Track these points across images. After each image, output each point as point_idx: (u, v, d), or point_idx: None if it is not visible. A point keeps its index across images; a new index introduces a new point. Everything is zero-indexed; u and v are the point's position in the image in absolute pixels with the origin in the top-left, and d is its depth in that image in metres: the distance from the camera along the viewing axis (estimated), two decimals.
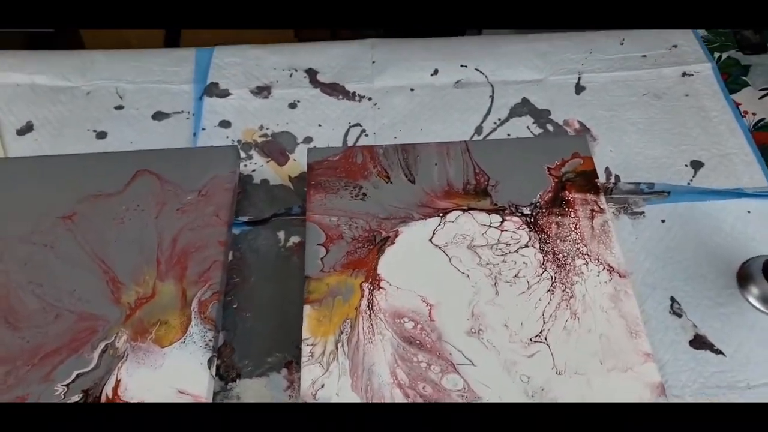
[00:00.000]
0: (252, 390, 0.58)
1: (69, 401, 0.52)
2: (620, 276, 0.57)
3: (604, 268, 0.58)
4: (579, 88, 0.78)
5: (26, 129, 0.76)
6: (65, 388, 0.53)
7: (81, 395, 0.52)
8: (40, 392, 0.52)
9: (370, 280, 0.57)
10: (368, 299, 0.56)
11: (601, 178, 0.70)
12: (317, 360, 0.53)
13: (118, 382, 0.53)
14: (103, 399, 0.52)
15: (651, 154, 0.72)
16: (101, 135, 0.75)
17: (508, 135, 0.74)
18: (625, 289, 0.57)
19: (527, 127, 0.75)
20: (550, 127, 0.74)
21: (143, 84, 0.80)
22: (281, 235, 0.67)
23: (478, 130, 0.75)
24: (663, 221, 0.67)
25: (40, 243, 0.60)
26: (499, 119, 0.76)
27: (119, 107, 0.77)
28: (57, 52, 0.84)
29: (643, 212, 0.68)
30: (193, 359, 0.54)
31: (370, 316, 0.55)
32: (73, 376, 0.53)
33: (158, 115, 0.77)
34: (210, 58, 0.82)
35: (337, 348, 0.54)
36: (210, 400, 0.53)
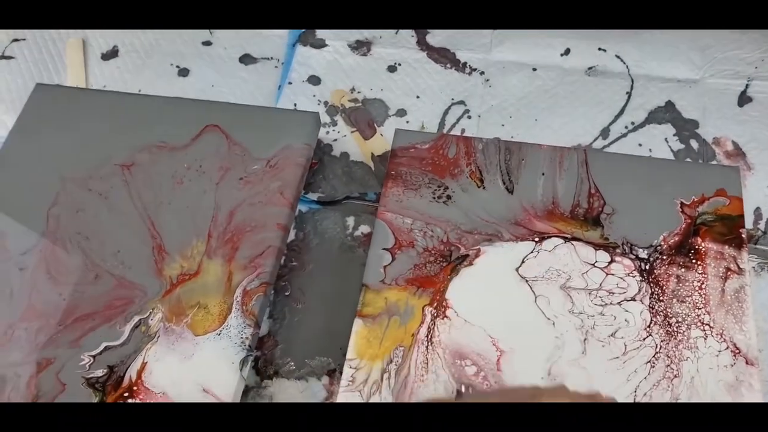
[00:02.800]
0: (287, 394, 0.52)
1: (92, 374, 0.48)
2: (747, 362, 0.46)
3: (727, 348, 0.46)
4: (744, 99, 0.63)
5: (111, 54, 0.71)
6: (91, 359, 0.49)
7: (105, 371, 0.48)
8: (67, 358, 0.49)
9: (435, 304, 0.49)
10: (429, 327, 0.48)
11: (748, 222, 0.56)
12: (358, 387, 0.46)
13: (144, 364, 0.49)
14: (126, 381, 0.48)
15: None
16: (183, 72, 0.69)
17: (640, 145, 0.61)
18: (750, 380, 0.45)
19: (665, 139, 0.61)
20: (694, 144, 0.61)
21: None
22: (350, 221, 0.60)
23: (604, 132, 0.62)
24: None
25: (96, 191, 0.56)
26: (633, 123, 0.62)
27: (207, 43, 0.71)
28: None
29: None
30: (225, 356, 0.49)
31: (427, 348, 0.47)
32: (102, 347, 0.49)
33: (246, 59, 0.69)
34: None
35: (382, 379, 0.46)
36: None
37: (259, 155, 0.57)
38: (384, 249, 0.52)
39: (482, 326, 0.48)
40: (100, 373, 0.49)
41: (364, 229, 0.59)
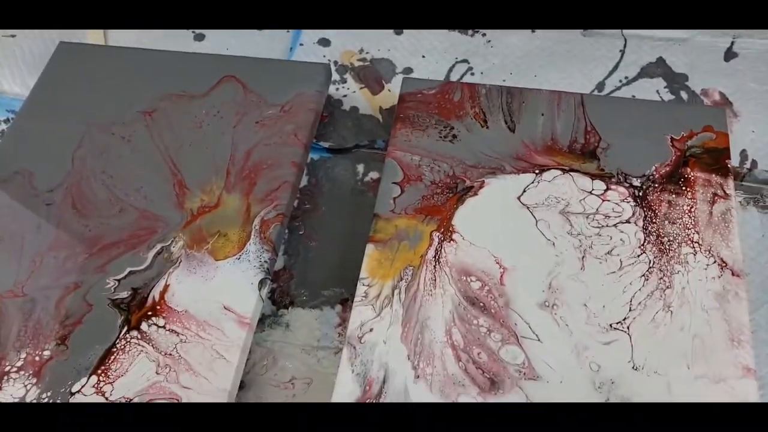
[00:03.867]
0: (302, 321, 0.55)
1: (118, 296, 0.51)
2: (733, 274, 0.49)
3: (714, 262, 0.49)
4: (730, 54, 0.67)
5: None
6: (116, 282, 0.52)
7: (130, 292, 0.51)
8: (93, 282, 0.52)
9: (442, 230, 0.52)
10: (436, 249, 0.51)
11: (734, 161, 0.60)
12: (370, 302, 0.49)
13: (167, 286, 0.51)
14: (150, 301, 0.51)
15: None
16: (199, 36, 0.73)
17: (633, 96, 0.65)
18: (737, 290, 0.48)
19: (657, 91, 0.65)
20: (684, 95, 0.64)
21: None
22: (360, 168, 0.63)
23: (600, 86, 0.66)
24: None
25: (119, 135, 0.59)
26: (626, 77, 0.66)
27: None
28: None
29: None
30: (244, 277, 0.51)
31: (435, 267, 0.50)
32: (126, 272, 0.52)
33: None
34: None
35: (393, 294, 0.49)
36: (254, 322, 0.50)
37: (273, 101, 0.60)
38: (394, 183, 0.55)
39: (486, 247, 0.51)
40: (124, 294, 0.51)
41: (374, 175, 0.62)
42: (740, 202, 0.58)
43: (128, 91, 0.62)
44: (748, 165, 0.60)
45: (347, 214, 0.60)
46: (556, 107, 0.58)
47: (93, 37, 0.73)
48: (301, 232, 0.59)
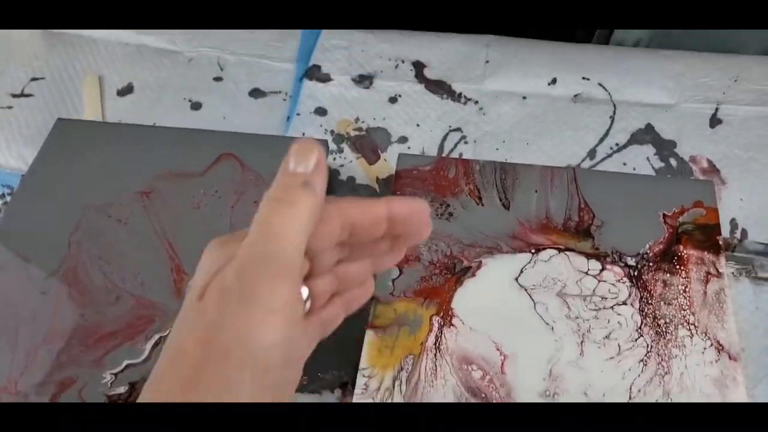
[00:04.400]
0: None
1: (114, 391, 0.51)
2: (730, 358, 0.49)
3: (711, 345, 0.50)
4: (714, 121, 0.68)
5: (126, 90, 0.75)
6: (113, 377, 0.52)
7: (127, 387, 0.51)
8: (89, 378, 0.51)
9: (442, 314, 0.52)
10: (436, 336, 0.51)
11: (725, 232, 0.60)
12: (371, 395, 0.49)
13: None
14: None
15: None
16: (196, 106, 0.73)
17: (624, 164, 0.66)
18: (734, 374, 0.49)
19: (647, 158, 0.66)
20: (673, 162, 0.65)
21: (245, 57, 0.77)
22: None
23: (591, 153, 0.67)
24: None
25: (115, 217, 0.59)
26: (617, 144, 0.67)
27: (218, 79, 0.75)
28: None
29: None
30: None
31: (435, 355, 0.51)
32: (123, 365, 0.52)
33: (255, 93, 0.74)
34: (316, 39, 0.78)
35: (393, 386, 0.50)
36: None
37: (272, 179, 0.60)
38: None
39: (486, 332, 0.51)
40: (122, 390, 0.51)
41: None
42: (732, 273, 0.58)
43: (125, 170, 0.62)
44: (738, 235, 0.60)
45: None
46: (549, 183, 0.59)
47: (91, 108, 0.73)
48: None
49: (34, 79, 0.76)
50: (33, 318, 0.55)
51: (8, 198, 0.67)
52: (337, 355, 0.57)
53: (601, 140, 0.68)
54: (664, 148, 0.66)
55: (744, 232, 0.61)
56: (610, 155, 0.67)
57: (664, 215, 0.56)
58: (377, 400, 0.49)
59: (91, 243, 0.58)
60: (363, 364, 0.51)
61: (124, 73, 0.77)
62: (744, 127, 0.67)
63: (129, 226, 0.59)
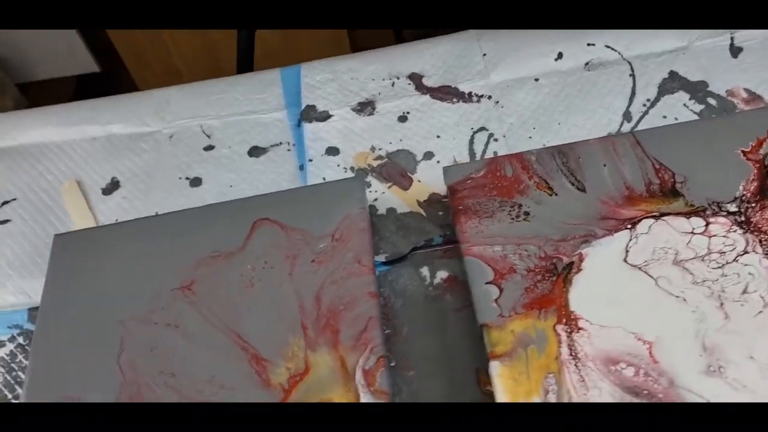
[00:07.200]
0: None
1: None
2: None
3: None
4: (735, 50, 0.66)
5: (112, 187, 0.67)
6: None
7: None
8: None
9: (564, 320, 0.47)
10: (569, 345, 0.46)
11: None
12: None
13: None
14: None
15: None
16: (195, 182, 0.66)
17: (664, 117, 0.63)
18: None
19: (684, 104, 0.63)
20: (712, 102, 0.63)
21: (230, 118, 0.70)
22: (425, 271, 0.57)
23: (627, 116, 0.64)
24: None
25: (162, 323, 0.52)
26: (648, 100, 0.64)
27: (209, 147, 0.69)
28: (127, 96, 0.75)
29: None
30: None
31: (576, 366, 0.45)
32: None
33: (255, 151, 0.68)
34: (299, 78, 0.72)
35: None
36: None
37: (319, 233, 0.54)
38: (487, 283, 0.50)
39: (619, 325, 0.46)
40: None
41: (442, 274, 0.57)
42: None
43: (153, 268, 0.54)
44: None
45: (433, 328, 0.54)
46: (614, 153, 0.55)
47: (78, 216, 0.65)
48: (392, 364, 0.53)
49: (5, 202, 0.67)
50: None
51: (20, 339, 0.58)
52: (452, 398, 0.51)
53: (631, 100, 0.65)
54: (697, 90, 0.64)
55: None
56: (646, 112, 0.64)
57: (743, 152, 0.53)
58: None
59: (147, 360, 0.50)
60: (500, 399, 0.45)
61: (103, 170, 0.69)
62: (766, 47, 0.66)
63: (182, 329, 0.51)
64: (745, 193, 0.51)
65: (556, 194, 0.53)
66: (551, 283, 0.49)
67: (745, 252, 0.48)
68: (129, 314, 0.52)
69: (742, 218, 0.50)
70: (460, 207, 0.54)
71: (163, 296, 0.53)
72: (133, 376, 0.49)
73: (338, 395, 0.47)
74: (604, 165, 0.54)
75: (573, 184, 0.54)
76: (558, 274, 0.49)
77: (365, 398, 0.46)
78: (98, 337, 0.52)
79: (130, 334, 0.51)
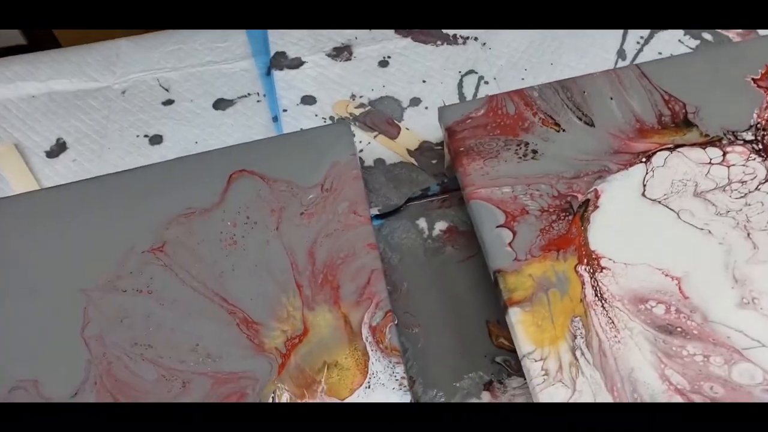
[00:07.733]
0: None
1: None
2: None
3: None
4: None
5: (58, 149, 0.59)
6: None
7: None
8: None
9: (585, 260, 0.43)
10: (593, 286, 0.42)
11: None
12: (556, 378, 0.39)
13: None
14: None
15: None
16: (155, 140, 0.59)
17: (660, 54, 0.60)
18: None
19: (679, 40, 0.60)
20: (708, 36, 0.60)
21: (190, 69, 0.64)
22: (422, 223, 0.53)
23: (621, 54, 0.60)
24: None
25: (132, 289, 0.45)
26: (642, 37, 0.61)
27: (168, 102, 0.62)
28: (69, 50, 0.67)
29: None
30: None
31: (603, 307, 0.41)
32: None
33: (220, 104, 0.61)
34: None
35: (576, 358, 0.40)
36: None
37: (307, 184, 0.49)
38: (498, 227, 0.45)
39: (645, 262, 0.43)
40: None
41: (441, 225, 0.52)
42: None
43: (117, 230, 0.48)
44: None
45: (436, 282, 0.50)
46: (619, 86, 0.51)
47: (18, 181, 0.57)
48: (395, 322, 0.48)
49: None
50: None
51: None
52: (462, 354, 0.46)
53: (624, 38, 0.62)
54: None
55: None
56: (641, 50, 0.61)
57: (753, 79, 0.50)
58: (565, 381, 0.39)
59: (116, 332, 0.44)
60: (525, 348, 0.40)
61: (46, 131, 0.61)
62: None
63: (156, 295, 0.45)
64: (760, 120, 0.48)
65: (563, 130, 0.50)
66: (568, 223, 0.45)
67: (767, 180, 0.46)
68: (90, 282, 0.45)
69: (760, 146, 0.47)
70: (461, 148, 0.49)
71: (130, 260, 0.46)
72: (102, 351, 0.43)
73: (344, 355, 0.41)
74: (611, 98, 0.51)
75: (580, 119, 0.50)
76: (574, 212, 0.46)
77: (374, 356, 0.41)
78: (54, 310, 0.45)
79: (93, 304, 0.45)
